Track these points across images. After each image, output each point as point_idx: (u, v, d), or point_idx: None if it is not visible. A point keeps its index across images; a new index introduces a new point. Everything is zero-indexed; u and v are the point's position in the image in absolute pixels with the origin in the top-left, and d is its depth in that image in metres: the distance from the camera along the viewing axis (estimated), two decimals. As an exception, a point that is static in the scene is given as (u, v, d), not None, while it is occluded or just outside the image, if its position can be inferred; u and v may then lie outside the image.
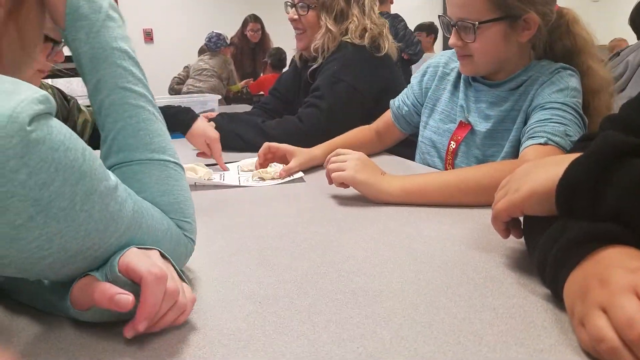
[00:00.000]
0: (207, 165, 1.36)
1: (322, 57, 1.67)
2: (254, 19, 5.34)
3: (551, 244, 0.57)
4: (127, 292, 0.49)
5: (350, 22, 1.66)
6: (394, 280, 0.66)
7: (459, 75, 1.28)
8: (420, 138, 1.39)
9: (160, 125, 0.64)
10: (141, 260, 0.51)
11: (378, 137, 1.50)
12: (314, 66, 1.71)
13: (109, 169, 0.60)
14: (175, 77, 5.23)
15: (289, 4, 1.73)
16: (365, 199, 1.02)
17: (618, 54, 2.59)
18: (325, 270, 0.70)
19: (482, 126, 1.19)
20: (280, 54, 5.14)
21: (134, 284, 0.51)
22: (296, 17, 1.70)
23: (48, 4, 0.60)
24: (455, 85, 1.29)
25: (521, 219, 0.68)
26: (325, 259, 0.74)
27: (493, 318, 0.55)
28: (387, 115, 1.48)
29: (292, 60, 1.93)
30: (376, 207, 0.98)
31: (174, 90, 5.07)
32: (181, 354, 0.51)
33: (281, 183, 1.23)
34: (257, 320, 0.57)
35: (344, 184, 1.03)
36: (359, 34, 1.64)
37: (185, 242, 0.63)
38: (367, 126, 1.51)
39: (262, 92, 5.11)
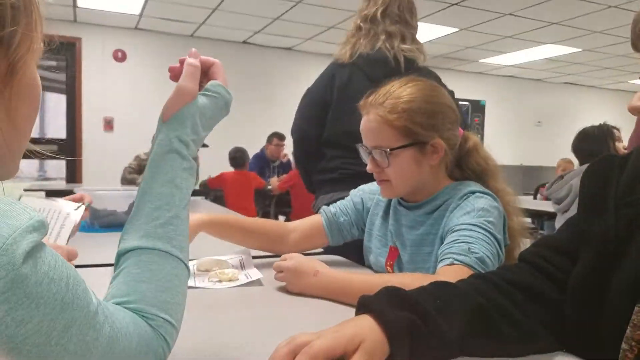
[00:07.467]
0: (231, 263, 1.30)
1: None
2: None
3: None
4: None
5: None
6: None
7: (389, 200, 1.34)
8: (366, 262, 1.42)
9: (186, 229, 0.67)
10: None
11: (294, 239, 1.40)
12: None
13: (128, 252, 0.62)
14: (126, 167, 5.02)
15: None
16: (328, 308, 1.02)
17: (562, 177, 2.78)
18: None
19: (404, 251, 1.26)
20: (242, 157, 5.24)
21: None
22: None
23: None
24: (386, 211, 1.34)
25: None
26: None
27: None
28: (316, 220, 1.42)
29: None
30: (340, 315, 0.96)
31: (126, 180, 4.88)
32: None
33: (239, 286, 1.20)
34: None
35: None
36: None
37: (156, 348, 0.59)
38: (281, 222, 1.47)
39: (221, 188, 5.11)
